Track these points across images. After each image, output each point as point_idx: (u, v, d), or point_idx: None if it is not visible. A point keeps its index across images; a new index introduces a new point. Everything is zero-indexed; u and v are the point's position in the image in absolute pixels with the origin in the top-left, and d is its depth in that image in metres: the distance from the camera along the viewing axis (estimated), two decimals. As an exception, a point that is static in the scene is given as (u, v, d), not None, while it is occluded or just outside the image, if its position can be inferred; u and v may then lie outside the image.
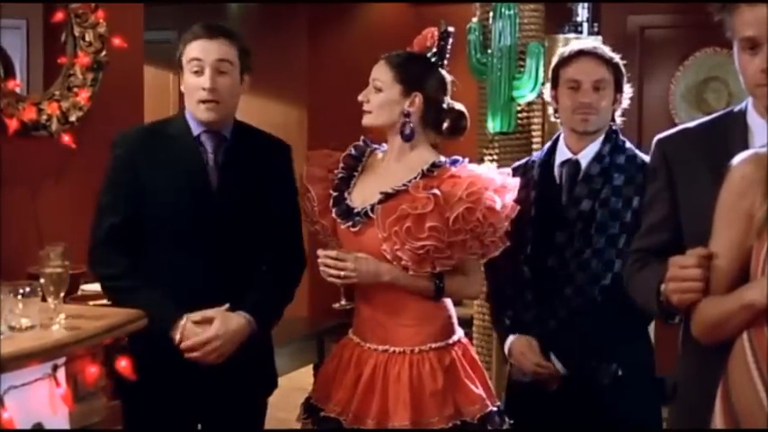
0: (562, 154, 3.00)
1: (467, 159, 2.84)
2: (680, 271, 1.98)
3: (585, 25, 5.20)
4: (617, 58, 3.00)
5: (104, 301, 3.15)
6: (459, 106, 2.85)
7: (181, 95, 2.94)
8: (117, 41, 4.08)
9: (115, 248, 2.81)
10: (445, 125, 2.83)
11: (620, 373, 2.88)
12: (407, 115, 2.78)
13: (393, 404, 2.70)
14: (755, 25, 2.03)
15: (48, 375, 2.31)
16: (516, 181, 2.84)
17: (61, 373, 2.35)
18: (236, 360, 2.79)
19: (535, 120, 4.39)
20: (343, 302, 2.86)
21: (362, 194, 2.82)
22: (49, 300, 2.45)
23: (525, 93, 4.25)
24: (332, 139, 3.05)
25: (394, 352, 2.75)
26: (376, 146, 2.94)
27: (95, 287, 3.51)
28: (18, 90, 3.85)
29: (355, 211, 2.79)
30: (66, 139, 3.93)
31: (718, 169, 1.99)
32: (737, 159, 1.95)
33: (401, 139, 2.79)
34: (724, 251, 1.94)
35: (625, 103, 3.03)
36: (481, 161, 4.11)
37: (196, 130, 2.86)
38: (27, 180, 3.88)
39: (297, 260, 2.98)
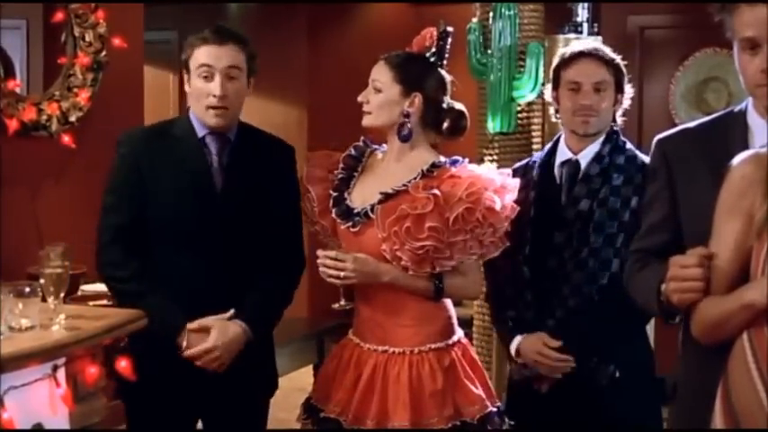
0: (562, 154, 3.00)
1: (467, 160, 2.84)
2: (680, 270, 1.98)
3: (585, 25, 5.20)
4: (618, 58, 2.99)
5: (104, 302, 3.16)
6: (458, 106, 2.85)
7: (181, 96, 2.94)
8: (117, 42, 4.08)
9: (123, 250, 2.81)
10: (445, 125, 2.83)
11: (617, 374, 2.88)
12: (407, 115, 2.78)
13: (393, 405, 2.70)
14: (755, 26, 2.03)
15: (48, 376, 2.31)
16: (516, 181, 2.84)
17: (61, 374, 2.35)
18: (236, 361, 2.80)
19: (535, 120, 4.39)
20: (342, 303, 2.86)
21: (362, 195, 2.82)
22: (49, 300, 2.44)
23: (525, 93, 4.25)
24: (332, 140, 3.05)
25: (393, 352, 2.75)
26: (376, 146, 2.94)
27: (95, 287, 3.51)
28: (18, 90, 3.85)
29: (355, 211, 2.79)
30: (66, 139, 3.94)
31: (719, 169, 1.99)
32: (737, 159, 1.95)
33: (399, 139, 2.79)
34: (724, 251, 1.94)
35: (626, 103, 3.03)
36: (481, 161, 4.11)
37: (201, 131, 2.86)
38: (27, 180, 3.88)
39: (296, 262, 2.99)
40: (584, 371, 2.87)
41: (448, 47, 2.85)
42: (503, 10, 4.24)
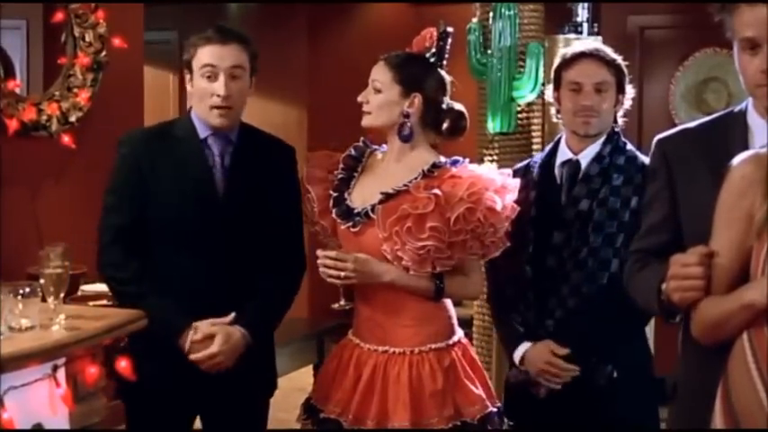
0: (563, 154, 3.00)
1: (467, 160, 2.84)
2: (681, 269, 1.97)
3: (585, 26, 5.19)
4: (619, 59, 2.99)
5: (104, 302, 3.15)
6: (458, 106, 2.85)
7: (181, 96, 2.94)
8: (117, 42, 4.08)
9: (124, 250, 2.81)
10: (445, 125, 2.83)
11: (615, 375, 2.88)
12: (407, 116, 2.78)
13: (393, 405, 2.70)
14: (755, 26, 2.03)
15: (47, 376, 2.31)
16: (516, 182, 2.84)
17: (61, 374, 2.35)
18: (236, 362, 2.80)
19: (535, 120, 4.39)
20: (342, 303, 2.87)
21: (362, 195, 2.82)
22: (49, 300, 2.45)
23: (525, 93, 4.25)
24: (332, 140, 3.05)
25: (394, 353, 2.75)
26: (375, 146, 2.94)
27: (95, 287, 3.51)
28: (18, 90, 3.85)
29: (355, 211, 2.79)
30: (65, 139, 3.94)
31: (719, 169, 1.98)
32: (737, 159, 1.95)
33: (399, 139, 2.79)
34: (724, 251, 1.93)
35: (627, 104, 3.03)
36: (481, 162, 4.11)
37: (203, 132, 2.86)
38: (27, 180, 3.88)
39: (297, 263, 2.99)
40: (582, 371, 2.87)
41: (448, 47, 2.85)
42: (503, 10, 4.24)
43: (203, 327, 2.76)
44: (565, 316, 2.90)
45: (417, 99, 2.77)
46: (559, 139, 3.05)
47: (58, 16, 3.95)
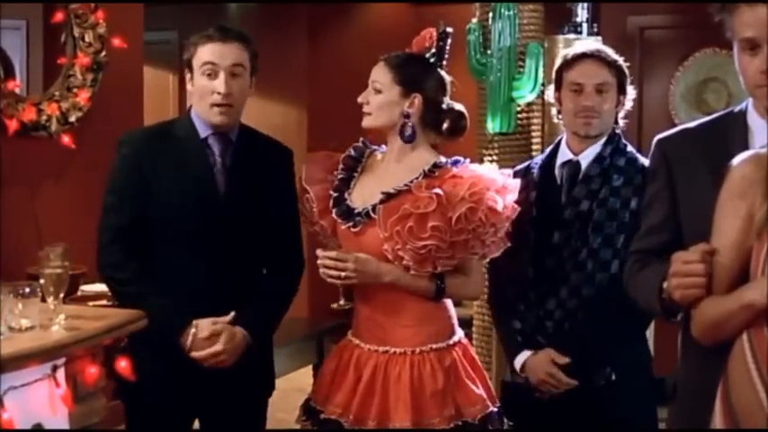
0: (563, 155, 3.00)
1: (468, 160, 2.84)
2: (683, 266, 1.97)
3: (585, 26, 5.18)
4: (620, 60, 2.99)
5: (104, 302, 3.15)
6: (458, 106, 2.85)
7: (181, 96, 2.95)
8: (117, 42, 4.08)
9: (124, 251, 2.82)
10: (445, 125, 2.83)
11: (613, 377, 2.88)
12: (407, 116, 2.78)
13: (394, 405, 2.70)
14: (755, 26, 2.03)
15: (47, 376, 2.31)
16: (517, 182, 2.84)
17: (61, 374, 2.35)
18: (236, 362, 2.81)
19: (535, 120, 4.39)
20: (342, 302, 2.87)
21: (363, 195, 2.82)
22: (49, 300, 2.44)
23: (525, 93, 4.25)
24: (331, 140, 3.06)
25: (394, 353, 2.75)
26: (375, 147, 2.94)
27: (95, 287, 3.51)
28: (18, 91, 3.85)
29: (356, 211, 2.79)
30: (65, 139, 3.93)
31: (719, 169, 1.99)
32: (737, 159, 1.95)
33: (401, 140, 2.79)
34: (724, 251, 1.94)
35: (628, 105, 3.03)
36: (481, 162, 4.11)
37: (203, 132, 2.86)
38: (27, 180, 3.88)
39: (296, 264, 3.00)
40: (581, 372, 2.87)
41: (447, 47, 2.85)
42: (502, 10, 4.24)
43: (204, 325, 2.77)
44: (564, 317, 2.90)
45: (417, 99, 2.77)
46: (560, 140, 3.06)
47: (58, 16, 3.95)
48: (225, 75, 2.79)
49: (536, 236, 2.94)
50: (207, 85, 2.80)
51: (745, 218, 1.89)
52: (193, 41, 2.84)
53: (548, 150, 3.12)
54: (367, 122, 2.83)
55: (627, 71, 3.01)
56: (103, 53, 4.08)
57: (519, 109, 4.31)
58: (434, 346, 2.77)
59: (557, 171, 3.01)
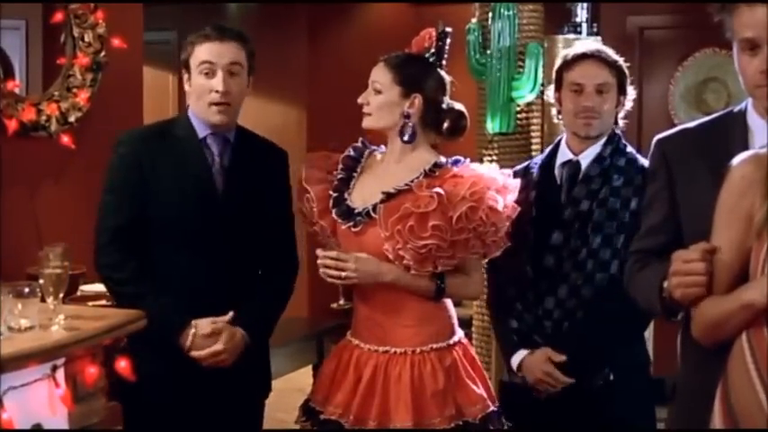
0: (563, 155, 3.00)
1: (468, 159, 2.84)
2: (683, 265, 1.97)
3: (585, 26, 5.19)
4: (620, 60, 2.99)
5: (103, 302, 3.15)
6: (458, 106, 2.85)
7: (180, 96, 2.94)
8: (116, 42, 4.08)
9: (122, 251, 2.81)
10: (445, 125, 2.83)
11: (611, 377, 2.88)
12: (407, 116, 2.78)
13: (394, 405, 2.70)
14: (755, 26, 2.03)
15: (47, 376, 2.31)
16: (517, 182, 2.84)
17: (60, 374, 2.35)
18: (234, 363, 2.81)
19: (534, 120, 4.39)
20: (341, 302, 2.87)
21: (362, 195, 2.82)
22: (49, 300, 2.44)
23: (524, 93, 4.25)
24: (331, 140, 3.06)
25: (395, 353, 2.75)
26: (374, 147, 2.94)
27: (95, 288, 3.51)
28: (17, 91, 3.85)
29: (356, 211, 2.79)
30: (65, 139, 3.93)
31: (718, 169, 1.99)
32: (737, 160, 1.95)
33: (401, 141, 2.79)
34: (724, 251, 1.93)
35: (628, 105, 3.03)
36: (480, 162, 4.11)
37: (202, 132, 2.87)
38: (26, 181, 3.88)
39: (292, 264, 3.02)
40: (579, 373, 2.88)
41: (447, 47, 2.86)
42: (502, 10, 4.23)
43: (203, 325, 2.77)
44: (564, 317, 2.90)
45: (417, 99, 2.77)
46: (560, 140, 3.06)
47: (58, 16, 3.95)
48: (223, 73, 2.79)
49: (535, 235, 2.94)
50: (205, 84, 2.80)
51: (744, 218, 1.89)
52: (190, 41, 2.84)
53: (547, 150, 3.12)
54: (367, 123, 2.83)
55: (627, 71, 3.01)
56: (103, 53, 4.08)
57: (518, 109, 4.31)
58: (435, 345, 2.77)
59: (556, 171, 3.01)
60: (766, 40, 2.03)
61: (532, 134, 4.38)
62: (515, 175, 2.97)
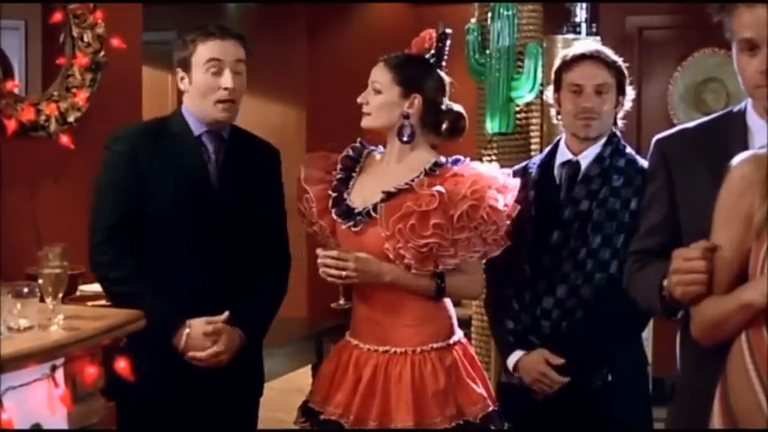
0: (563, 155, 3.01)
1: (468, 159, 2.84)
2: (683, 263, 1.97)
3: (584, 26, 5.19)
4: (619, 61, 2.99)
5: (103, 302, 3.15)
6: (457, 107, 2.86)
7: (179, 96, 2.94)
8: (115, 42, 4.07)
9: (117, 249, 2.81)
10: (444, 126, 2.83)
11: (609, 378, 2.88)
12: (407, 116, 2.78)
13: (395, 405, 2.70)
14: (754, 27, 2.03)
15: (46, 376, 2.31)
16: (516, 181, 2.84)
17: (60, 374, 2.35)
18: (229, 362, 2.82)
19: (534, 120, 4.39)
20: (341, 302, 2.87)
21: (362, 195, 2.82)
22: (48, 300, 2.44)
23: (524, 93, 4.25)
24: (330, 140, 3.06)
25: (395, 352, 2.75)
26: (372, 147, 2.94)
27: (94, 288, 3.50)
28: (16, 91, 3.84)
29: (356, 210, 2.79)
30: (64, 139, 3.92)
31: (718, 169, 1.99)
32: (737, 160, 1.95)
33: (400, 141, 2.79)
34: (724, 250, 1.93)
35: (627, 105, 3.03)
36: (480, 162, 4.10)
37: (197, 130, 2.87)
38: (25, 181, 3.87)
39: (285, 263, 3.03)
40: (577, 373, 2.88)
41: (447, 48, 2.86)
42: (501, 10, 4.24)
43: (197, 325, 2.77)
44: (563, 316, 2.90)
45: (417, 100, 2.77)
46: (559, 140, 3.06)
47: (57, 16, 3.94)
48: (230, 71, 2.80)
49: (534, 235, 2.94)
50: (212, 81, 2.80)
51: (744, 218, 1.89)
52: (190, 39, 2.84)
53: (546, 150, 3.12)
54: (366, 123, 2.83)
55: (626, 72, 3.01)
56: (102, 53, 4.07)
57: (518, 109, 4.31)
58: (435, 345, 2.77)
59: (556, 171, 3.01)
60: (766, 41, 2.03)
61: (532, 134, 4.39)
62: (514, 174, 2.97)
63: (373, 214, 2.74)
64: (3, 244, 3.59)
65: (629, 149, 3.00)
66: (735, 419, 1.87)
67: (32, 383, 2.27)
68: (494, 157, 4.26)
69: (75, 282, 3.46)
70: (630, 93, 3.03)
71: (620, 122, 3.04)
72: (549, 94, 3.09)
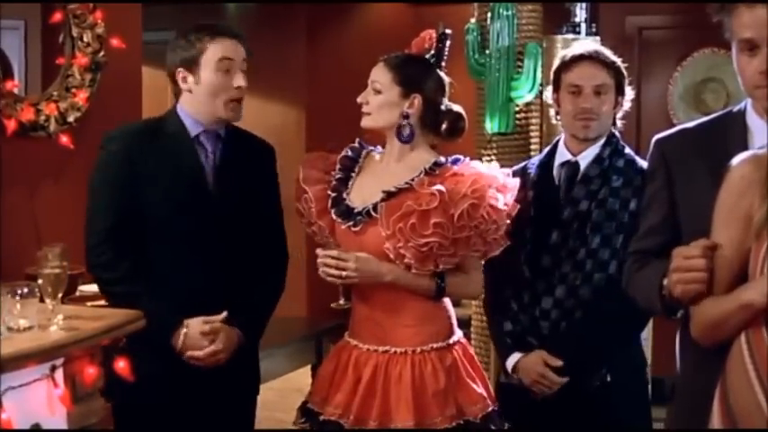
0: (562, 155, 3.01)
1: (467, 158, 2.84)
2: (684, 261, 1.97)
3: (584, 26, 5.19)
4: (618, 61, 2.99)
5: (102, 302, 3.15)
6: (457, 108, 2.86)
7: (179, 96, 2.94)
8: (115, 42, 4.07)
9: (114, 250, 2.80)
10: (443, 126, 2.83)
11: (608, 378, 2.88)
12: (406, 116, 2.78)
13: (395, 405, 2.70)
14: (754, 27, 2.03)
15: (46, 376, 2.31)
16: (516, 181, 2.84)
17: (59, 374, 2.35)
18: (228, 362, 2.82)
19: (533, 120, 4.39)
20: (341, 302, 2.87)
21: (362, 195, 2.82)
22: (48, 300, 2.44)
23: (523, 93, 4.25)
24: (330, 140, 3.06)
25: (395, 352, 2.75)
26: (371, 147, 2.94)
27: (93, 288, 3.50)
28: (16, 91, 3.84)
29: (356, 210, 2.79)
30: (64, 139, 3.92)
31: (718, 169, 1.99)
32: (737, 160, 1.95)
33: (399, 140, 2.79)
34: (724, 250, 1.94)
35: (626, 105, 3.03)
36: (479, 162, 4.10)
37: (195, 129, 2.87)
38: (25, 181, 3.87)
39: (284, 261, 3.03)
40: (576, 373, 2.88)
41: (446, 49, 2.86)
42: (501, 10, 4.23)
43: (195, 324, 2.77)
44: (562, 317, 2.90)
45: (417, 100, 2.77)
46: (558, 140, 3.06)
47: (57, 16, 3.94)
48: (239, 70, 2.81)
49: (533, 235, 2.95)
50: (224, 81, 2.81)
51: (743, 218, 1.89)
52: (196, 37, 2.83)
53: (545, 150, 3.12)
54: (366, 123, 2.83)
55: (625, 72, 3.01)
56: (102, 53, 4.07)
57: (517, 109, 4.31)
58: (435, 345, 2.77)
59: (555, 171, 3.01)
60: (766, 41, 2.03)
61: (531, 134, 4.39)
62: (513, 175, 2.97)
63: (373, 214, 2.74)
64: (3, 244, 3.59)
65: (628, 150, 3.00)
66: (734, 419, 1.87)
67: (32, 383, 2.27)
68: (493, 158, 4.25)
69: (74, 282, 3.46)
70: (629, 93, 3.03)
71: (618, 123, 3.04)
72: (549, 94, 3.09)
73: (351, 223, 2.78)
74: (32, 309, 2.37)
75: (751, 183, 1.89)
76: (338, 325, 3.74)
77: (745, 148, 2.08)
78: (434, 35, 2.83)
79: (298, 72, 7.28)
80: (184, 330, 2.76)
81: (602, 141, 2.97)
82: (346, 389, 2.76)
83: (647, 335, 3.16)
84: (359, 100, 2.82)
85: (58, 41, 4.04)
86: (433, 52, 2.83)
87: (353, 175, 2.89)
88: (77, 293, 3.56)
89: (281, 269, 3.02)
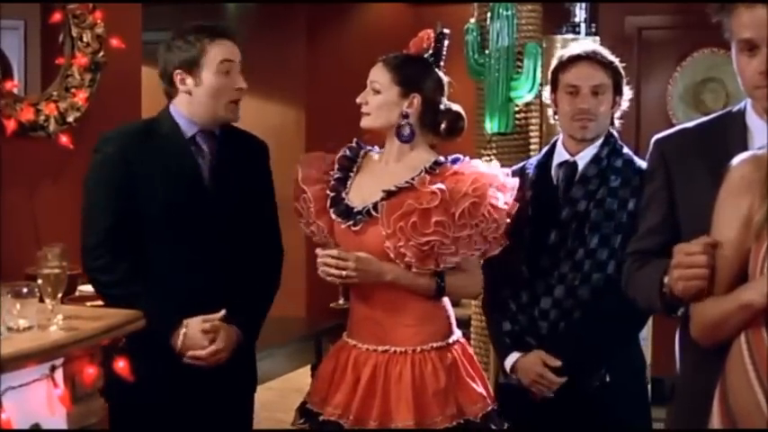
0: (560, 156, 3.01)
1: (467, 157, 2.84)
2: (685, 258, 1.97)
3: (583, 26, 5.19)
4: (616, 61, 2.99)
5: (102, 302, 3.15)
6: (456, 107, 2.86)
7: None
8: (115, 42, 4.07)
9: (111, 253, 2.80)
10: (443, 126, 2.83)
11: (607, 378, 2.88)
12: (406, 116, 2.78)
13: (395, 405, 2.70)
14: (753, 27, 2.03)
15: (46, 376, 2.32)
16: (515, 180, 2.84)
17: (59, 374, 2.35)
18: (226, 361, 2.82)
19: (533, 120, 4.39)
20: (341, 302, 2.88)
21: (361, 194, 2.82)
22: (47, 300, 2.44)
23: (523, 93, 4.25)
24: (329, 141, 3.06)
25: (395, 352, 2.75)
26: (369, 147, 2.94)
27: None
28: (16, 91, 3.84)
29: (356, 210, 2.79)
30: (63, 139, 3.92)
31: (717, 169, 1.99)
32: (737, 160, 1.96)
33: (398, 140, 2.79)
34: (723, 251, 1.94)
35: (624, 105, 3.03)
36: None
37: (190, 130, 2.87)
38: (25, 181, 3.87)
39: (278, 258, 3.04)
40: (575, 373, 2.88)
41: (445, 48, 2.86)
42: (500, 10, 4.23)
43: (194, 323, 2.77)
44: (560, 317, 2.90)
45: (416, 99, 2.77)
46: (556, 140, 3.06)
47: (56, 17, 3.94)
48: (239, 71, 2.84)
49: (532, 236, 2.95)
50: (225, 82, 2.82)
51: (743, 218, 1.89)
52: (196, 38, 2.82)
53: (544, 150, 3.12)
54: (366, 123, 2.83)
55: (623, 72, 3.00)
56: (101, 53, 4.07)
57: (517, 109, 4.31)
58: (435, 344, 2.77)
59: (553, 171, 3.01)
60: (765, 41, 2.03)
61: (531, 134, 4.38)
62: (511, 175, 2.97)
63: (374, 213, 2.74)
64: (3, 244, 3.59)
65: (626, 150, 3.00)
66: (734, 420, 1.88)
67: (32, 383, 2.27)
68: (493, 157, 4.24)
69: (74, 282, 3.46)
70: (627, 93, 3.03)
71: (617, 122, 3.04)
72: (547, 94, 3.09)
73: (350, 223, 2.78)
74: (32, 309, 2.38)
75: (751, 183, 1.89)
76: (338, 325, 3.74)
77: (745, 148, 2.08)
78: (433, 35, 2.83)
79: (297, 72, 7.28)
80: (184, 330, 2.76)
81: (600, 141, 2.97)
82: (346, 389, 2.76)
83: (646, 335, 3.16)
84: (358, 100, 2.82)
85: (58, 41, 4.04)
86: (431, 52, 2.83)
87: (352, 174, 2.89)
88: (77, 293, 3.56)
89: (276, 265, 3.03)
